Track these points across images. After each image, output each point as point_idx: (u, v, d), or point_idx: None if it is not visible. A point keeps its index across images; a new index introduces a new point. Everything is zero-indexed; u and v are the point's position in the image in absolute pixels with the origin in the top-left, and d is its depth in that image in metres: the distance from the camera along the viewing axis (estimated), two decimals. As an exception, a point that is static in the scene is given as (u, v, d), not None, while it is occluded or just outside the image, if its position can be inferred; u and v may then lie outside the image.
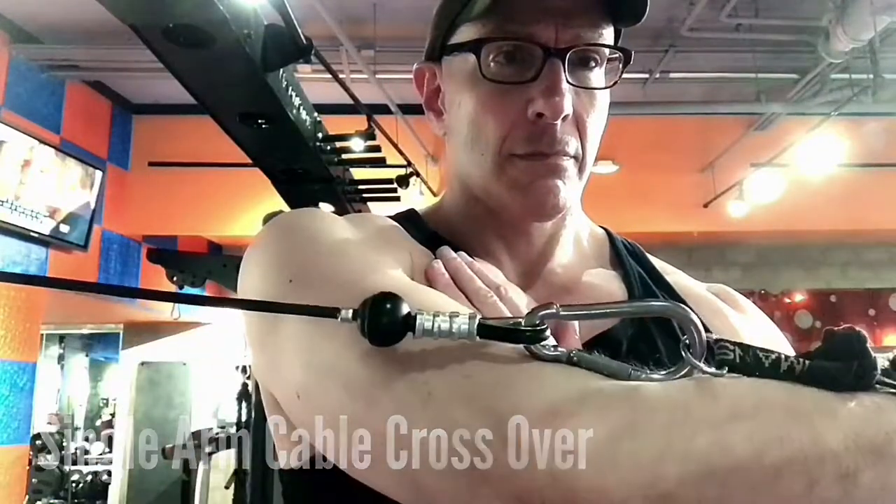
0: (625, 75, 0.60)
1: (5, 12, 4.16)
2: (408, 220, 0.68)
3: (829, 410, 0.37)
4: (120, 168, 5.39)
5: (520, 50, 0.57)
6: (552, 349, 0.42)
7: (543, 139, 0.57)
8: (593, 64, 0.58)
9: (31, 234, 4.25)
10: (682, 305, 0.43)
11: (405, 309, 0.41)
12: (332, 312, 0.42)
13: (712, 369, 0.40)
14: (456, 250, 0.62)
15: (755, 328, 0.64)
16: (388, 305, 0.41)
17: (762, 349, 0.40)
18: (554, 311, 0.42)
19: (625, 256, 0.68)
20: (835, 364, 0.39)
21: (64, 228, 4.50)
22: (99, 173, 4.81)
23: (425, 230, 0.66)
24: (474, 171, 0.62)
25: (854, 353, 0.39)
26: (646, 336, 0.59)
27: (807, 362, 0.39)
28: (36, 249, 4.41)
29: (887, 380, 0.39)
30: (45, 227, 4.36)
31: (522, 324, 0.41)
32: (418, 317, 0.40)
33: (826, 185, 4.90)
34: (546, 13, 0.56)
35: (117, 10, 1.66)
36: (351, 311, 0.42)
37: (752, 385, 0.39)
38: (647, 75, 4.78)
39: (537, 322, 0.41)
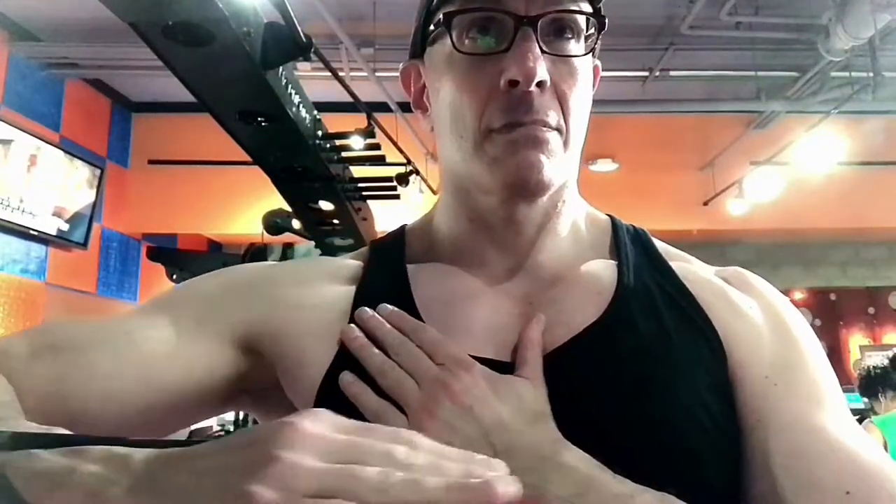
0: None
1: (5, 10, 4.15)
2: (380, 248, 0.68)
3: None
4: (119, 166, 5.39)
5: (492, 22, 0.56)
6: None
7: (520, 108, 0.55)
8: (569, 34, 0.58)
9: (31, 231, 4.25)
10: None
11: None
12: None
13: None
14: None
15: (766, 311, 0.61)
16: None
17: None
18: None
19: (624, 244, 0.65)
20: None
21: (64, 227, 4.50)
22: (98, 171, 4.82)
23: (394, 259, 0.66)
24: (457, 157, 0.60)
25: None
26: (628, 324, 0.58)
27: None
28: (35, 248, 4.42)
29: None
30: (50, 226, 4.37)
31: None
32: None
33: (826, 184, 4.91)
34: None
35: (117, 8, 1.66)
36: None
37: None
38: (646, 73, 4.76)
39: None
